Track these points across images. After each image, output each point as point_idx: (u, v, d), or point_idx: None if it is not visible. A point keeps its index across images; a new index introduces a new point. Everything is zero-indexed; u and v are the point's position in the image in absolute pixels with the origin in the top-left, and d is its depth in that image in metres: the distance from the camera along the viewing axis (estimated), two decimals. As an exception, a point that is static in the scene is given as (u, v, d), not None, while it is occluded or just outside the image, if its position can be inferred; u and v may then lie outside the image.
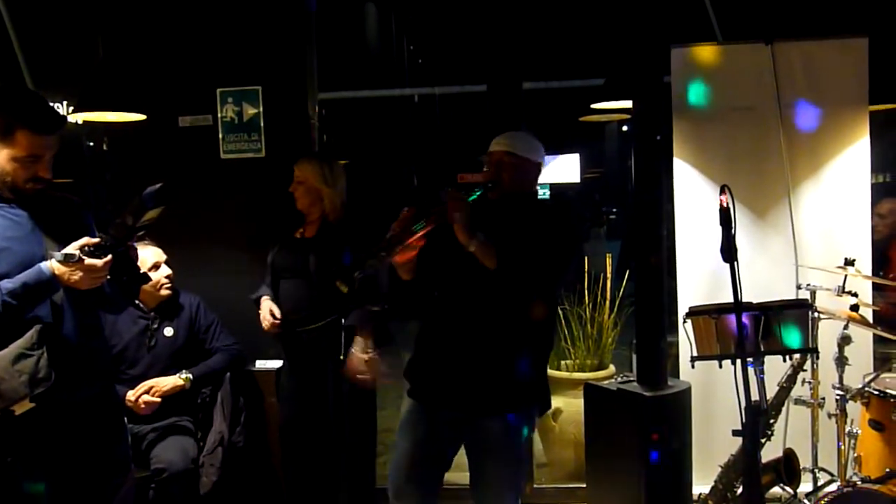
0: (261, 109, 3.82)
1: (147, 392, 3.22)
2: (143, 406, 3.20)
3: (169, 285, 3.37)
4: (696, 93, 3.68)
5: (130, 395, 3.21)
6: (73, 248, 2.12)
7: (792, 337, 2.81)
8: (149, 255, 3.32)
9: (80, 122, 3.78)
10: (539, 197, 2.69)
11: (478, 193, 2.43)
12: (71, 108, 3.95)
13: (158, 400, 3.23)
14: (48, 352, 2.14)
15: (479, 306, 2.44)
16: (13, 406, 2.11)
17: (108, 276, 2.18)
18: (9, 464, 2.18)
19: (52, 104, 3.95)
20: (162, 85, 3.83)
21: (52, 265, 2.12)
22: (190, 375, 3.31)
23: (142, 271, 2.34)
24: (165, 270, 3.36)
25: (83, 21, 4.07)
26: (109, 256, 2.14)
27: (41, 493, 2.28)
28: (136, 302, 3.32)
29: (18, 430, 2.17)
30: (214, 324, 3.49)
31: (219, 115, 3.84)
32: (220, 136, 3.86)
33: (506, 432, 2.50)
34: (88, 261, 2.11)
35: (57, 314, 2.23)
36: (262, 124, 3.83)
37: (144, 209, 2.15)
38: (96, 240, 2.15)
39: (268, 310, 3.24)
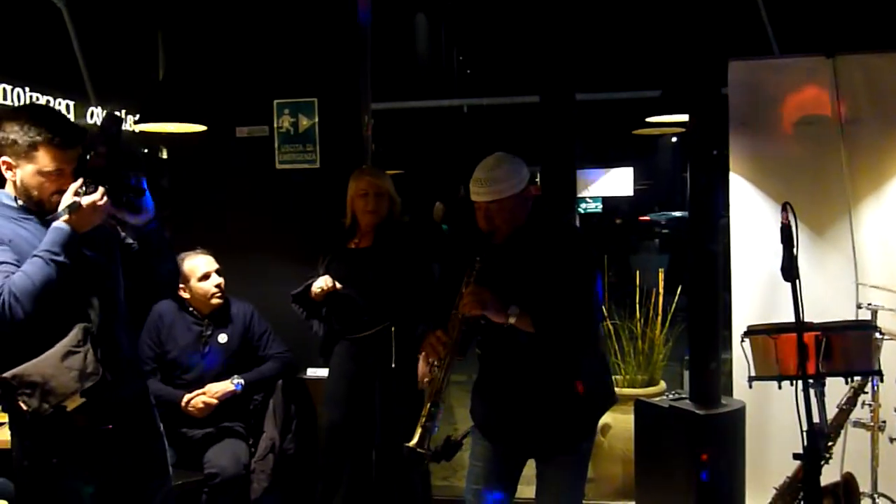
0: (316, 121, 3.88)
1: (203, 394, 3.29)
2: (200, 406, 3.26)
3: (219, 294, 3.41)
4: (755, 106, 3.62)
5: (186, 398, 3.28)
6: (69, 198, 2.17)
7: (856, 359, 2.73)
8: (201, 263, 3.39)
9: (135, 130, 3.87)
10: (541, 214, 2.52)
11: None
12: (132, 119, 4.07)
13: (215, 401, 3.29)
14: (94, 348, 2.21)
15: (530, 353, 2.40)
16: (65, 401, 2.18)
17: (112, 204, 2.22)
18: (54, 465, 2.24)
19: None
20: (221, 97, 3.91)
21: (64, 220, 2.17)
22: (242, 381, 3.36)
23: (138, 182, 2.29)
24: (216, 279, 3.41)
25: (144, 34, 4.19)
26: (101, 189, 2.18)
27: (85, 494, 2.32)
28: (191, 308, 3.40)
29: (67, 430, 2.23)
30: (267, 332, 3.54)
31: (275, 125, 3.91)
32: (276, 146, 3.92)
33: (574, 451, 2.52)
34: (87, 199, 2.17)
35: (103, 314, 2.30)
36: (317, 135, 3.88)
37: (111, 133, 2.19)
38: (80, 181, 2.19)
39: (324, 280, 3.24)
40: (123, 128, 3.97)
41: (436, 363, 2.35)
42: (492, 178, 2.37)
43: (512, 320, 2.30)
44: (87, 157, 2.19)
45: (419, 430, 2.29)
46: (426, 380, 2.42)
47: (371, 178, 3.31)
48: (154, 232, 2.35)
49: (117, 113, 2.19)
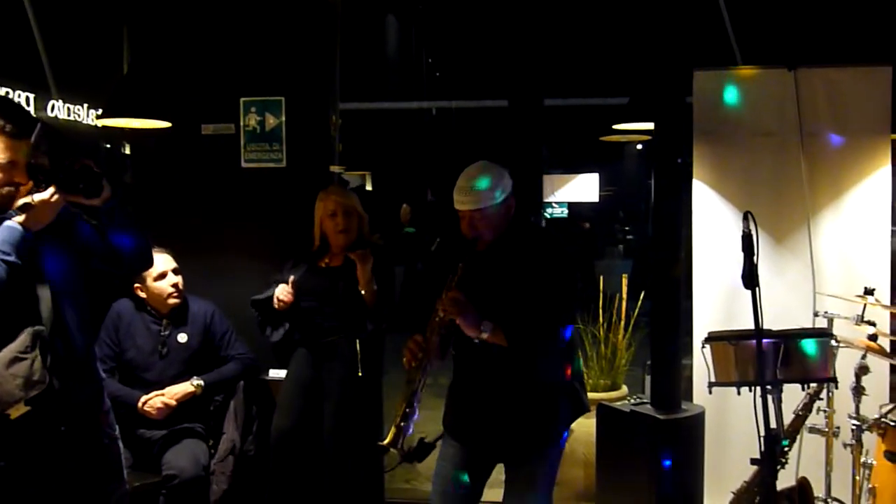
0: (283, 120, 3.85)
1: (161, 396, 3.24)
2: (159, 406, 3.22)
3: (176, 294, 3.36)
4: (719, 116, 3.68)
5: (143, 399, 3.23)
6: (22, 199, 2.15)
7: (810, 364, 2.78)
8: (157, 262, 3.31)
9: (98, 125, 3.81)
10: (522, 222, 2.56)
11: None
12: (95, 114, 3.99)
13: (174, 403, 3.24)
14: (42, 355, 2.15)
15: (503, 358, 2.42)
16: (8, 409, 2.13)
17: (66, 197, 2.19)
18: (1, 468, 2.18)
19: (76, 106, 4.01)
20: (186, 93, 3.87)
21: (17, 220, 2.14)
22: (201, 382, 3.32)
23: (86, 167, 2.24)
24: (173, 279, 3.36)
25: (109, 26, 4.12)
26: (51, 188, 2.15)
27: (34, 499, 2.27)
28: (149, 308, 3.36)
29: (13, 435, 2.18)
30: (229, 332, 3.50)
31: (241, 123, 3.87)
32: (242, 144, 3.88)
33: (544, 456, 2.55)
34: (38, 197, 2.14)
35: (55, 317, 2.24)
36: (283, 134, 3.85)
37: (42, 148, 2.17)
38: (29, 184, 2.18)
39: (282, 288, 3.27)
40: (87, 122, 3.92)
41: (414, 365, 2.36)
42: (476, 187, 2.39)
43: (484, 336, 2.33)
44: (31, 161, 2.15)
45: (393, 430, 2.32)
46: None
47: (338, 197, 3.33)
48: (113, 210, 2.30)
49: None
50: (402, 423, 2.33)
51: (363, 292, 3.20)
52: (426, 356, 2.37)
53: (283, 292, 3.27)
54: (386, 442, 2.31)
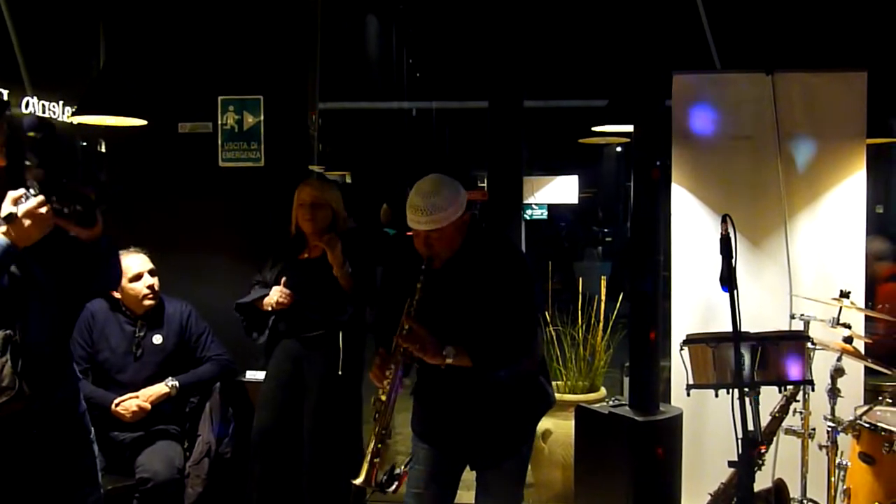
0: (262, 119, 3.82)
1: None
2: (134, 409, 3.17)
3: (151, 296, 3.32)
4: (697, 120, 3.70)
5: (117, 401, 3.18)
6: (7, 208, 2.05)
7: (790, 368, 2.80)
8: (133, 263, 3.28)
9: (73, 122, 3.76)
10: (476, 231, 2.46)
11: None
12: (70, 110, 3.94)
13: (148, 406, 3.20)
14: (13, 360, 2.10)
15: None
16: None
17: (55, 210, 2.09)
18: None
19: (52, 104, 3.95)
20: (163, 91, 3.82)
21: (1, 232, 2.06)
22: (176, 383, 3.28)
23: (89, 197, 2.15)
24: (148, 280, 3.31)
25: (84, 22, 4.07)
26: (40, 197, 2.06)
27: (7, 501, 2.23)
28: (123, 309, 3.31)
29: None
30: (206, 333, 3.46)
31: (219, 122, 3.84)
32: (220, 143, 3.85)
33: (513, 456, 2.56)
34: (22, 208, 2.05)
35: (25, 320, 2.20)
36: (262, 134, 3.82)
37: (43, 139, 2.12)
38: (21, 191, 2.07)
39: (278, 290, 3.24)
40: (62, 119, 3.87)
41: (381, 395, 2.34)
42: (432, 206, 2.28)
43: (449, 361, 2.29)
44: (26, 166, 2.09)
45: (365, 467, 2.28)
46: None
47: (312, 189, 3.30)
48: (105, 244, 2.23)
49: (43, 115, 2.03)
50: (374, 459, 2.29)
51: (338, 276, 3.17)
52: (392, 387, 2.34)
53: (282, 295, 3.24)
54: (359, 481, 2.27)
